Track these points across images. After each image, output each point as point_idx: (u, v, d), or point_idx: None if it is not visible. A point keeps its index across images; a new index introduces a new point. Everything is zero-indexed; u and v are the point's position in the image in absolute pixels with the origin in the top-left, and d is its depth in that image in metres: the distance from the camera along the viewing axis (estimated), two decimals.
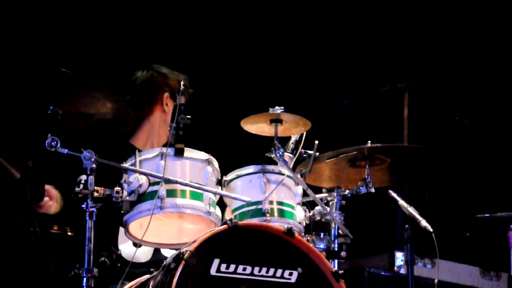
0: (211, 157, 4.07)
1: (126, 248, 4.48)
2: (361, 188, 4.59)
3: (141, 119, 4.89)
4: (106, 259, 4.34)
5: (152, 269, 3.99)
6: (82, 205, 3.84)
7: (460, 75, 7.48)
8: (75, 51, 6.24)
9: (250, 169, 4.20)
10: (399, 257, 6.13)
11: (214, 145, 4.46)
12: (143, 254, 4.52)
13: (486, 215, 5.12)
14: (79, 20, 6.34)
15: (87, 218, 3.81)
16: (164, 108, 4.88)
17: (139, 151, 4.06)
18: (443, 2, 7.48)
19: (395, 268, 6.12)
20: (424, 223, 4.63)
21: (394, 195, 4.80)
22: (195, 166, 4.01)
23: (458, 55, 7.46)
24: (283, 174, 4.20)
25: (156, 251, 4.54)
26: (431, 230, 4.59)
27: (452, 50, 7.44)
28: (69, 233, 4.93)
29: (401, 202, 4.77)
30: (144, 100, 4.89)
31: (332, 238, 4.50)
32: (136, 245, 4.20)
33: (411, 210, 4.71)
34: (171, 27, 6.77)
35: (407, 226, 4.68)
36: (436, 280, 5.98)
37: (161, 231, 4.07)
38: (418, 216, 4.66)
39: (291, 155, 4.40)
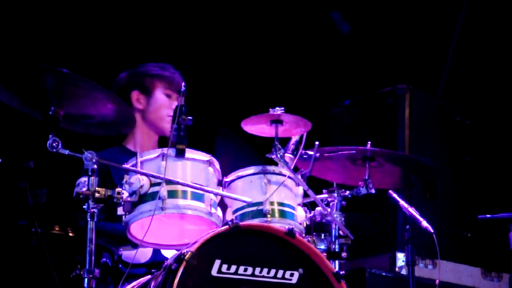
0: (212, 158, 4.06)
1: (124, 248, 4.47)
2: (361, 188, 4.59)
3: None
4: (107, 260, 4.33)
5: (153, 270, 3.98)
6: (83, 206, 3.84)
7: (460, 74, 7.48)
8: (76, 51, 6.24)
9: (251, 170, 4.19)
10: (400, 258, 6.12)
11: (214, 146, 4.46)
12: (142, 255, 4.51)
13: (487, 215, 5.11)
14: (81, 20, 6.34)
15: (89, 219, 3.81)
16: (137, 106, 4.81)
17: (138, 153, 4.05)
18: (443, 2, 7.49)
19: (396, 269, 6.11)
20: (425, 223, 4.63)
21: (395, 195, 4.79)
22: (196, 167, 4.00)
23: (459, 54, 7.46)
24: (284, 175, 4.19)
25: (156, 252, 4.53)
26: (432, 230, 4.59)
27: (452, 50, 7.44)
28: (70, 234, 4.92)
29: (402, 202, 4.76)
30: None
31: (333, 239, 4.49)
32: (135, 246, 4.19)
33: (412, 210, 4.70)
34: (172, 28, 6.77)
35: (408, 226, 4.67)
36: (437, 281, 5.97)
37: (162, 232, 4.07)
38: (419, 217, 4.66)
39: (291, 156, 4.39)
